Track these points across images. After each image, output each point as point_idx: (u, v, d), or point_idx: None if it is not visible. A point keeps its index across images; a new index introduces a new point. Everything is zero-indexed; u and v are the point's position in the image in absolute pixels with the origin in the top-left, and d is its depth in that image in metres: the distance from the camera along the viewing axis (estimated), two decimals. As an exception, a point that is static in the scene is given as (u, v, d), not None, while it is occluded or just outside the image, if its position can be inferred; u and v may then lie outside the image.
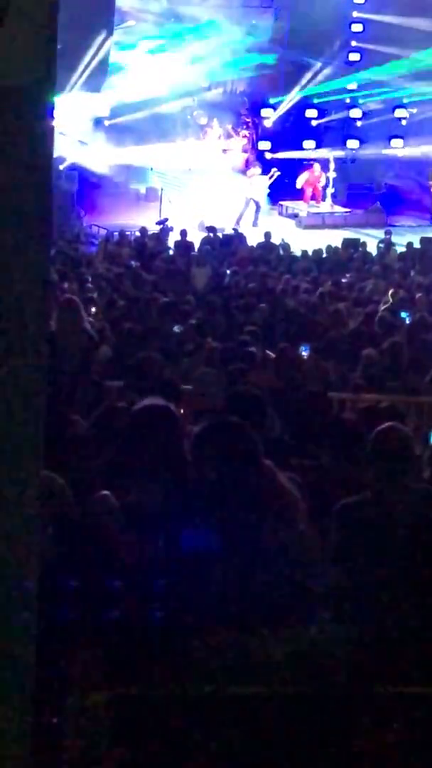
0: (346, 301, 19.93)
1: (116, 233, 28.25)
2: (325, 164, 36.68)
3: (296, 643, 4.09)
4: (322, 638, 4.12)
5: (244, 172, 37.46)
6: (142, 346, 12.98)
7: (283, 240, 28.80)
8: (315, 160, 37.18)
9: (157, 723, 3.94)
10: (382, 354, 14.21)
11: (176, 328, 14.78)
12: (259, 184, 35.28)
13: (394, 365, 13.96)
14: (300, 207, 36.50)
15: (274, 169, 34.72)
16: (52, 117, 2.80)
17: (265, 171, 36.64)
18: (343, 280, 23.36)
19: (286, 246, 28.31)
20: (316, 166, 36.90)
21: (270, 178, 35.25)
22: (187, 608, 4.26)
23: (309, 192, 36.68)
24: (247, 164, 37.69)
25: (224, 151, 37.08)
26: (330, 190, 36.66)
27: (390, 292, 20.95)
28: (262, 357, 13.13)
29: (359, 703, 4.42)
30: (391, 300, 20.17)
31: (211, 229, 29.39)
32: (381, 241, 30.07)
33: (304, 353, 13.82)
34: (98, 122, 36.13)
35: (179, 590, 4.22)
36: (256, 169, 35.77)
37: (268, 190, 35.79)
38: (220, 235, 29.38)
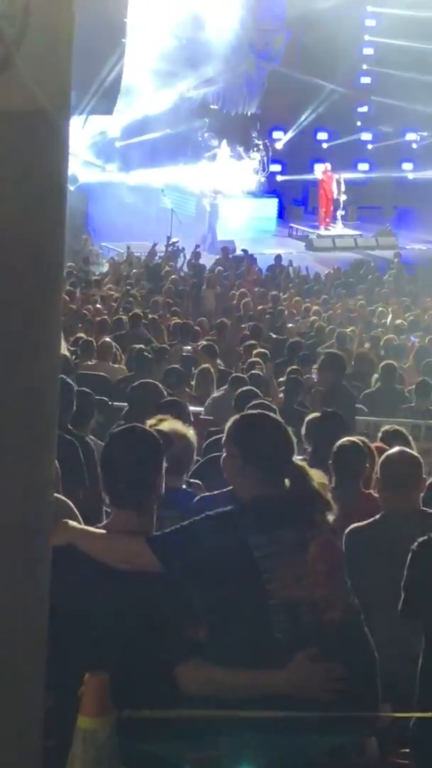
0: (355, 324, 19.95)
1: (126, 254, 28.30)
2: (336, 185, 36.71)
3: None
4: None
5: (254, 194, 37.61)
6: (152, 367, 12.98)
7: (291, 262, 28.83)
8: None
9: (163, 747, 3.94)
10: (380, 377, 14.27)
11: (185, 350, 14.80)
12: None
13: (389, 386, 14.01)
14: (310, 229, 36.60)
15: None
16: (67, 142, 2.81)
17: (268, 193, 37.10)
18: (353, 303, 23.38)
19: (296, 268, 28.35)
20: (321, 170, 37.00)
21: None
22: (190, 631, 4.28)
23: (322, 212, 36.75)
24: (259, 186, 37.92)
25: (231, 173, 37.16)
26: (340, 212, 36.72)
27: (389, 318, 21.02)
28: (271, 379, 13.12)
29: (364, 727, 4.41)
30: (387, 321, 20.28)
31: (224, 250, 29.45)
32: (391, 264, 30.08)
33: (314, 376, 13.81)
34: (110, 143, 36.25)
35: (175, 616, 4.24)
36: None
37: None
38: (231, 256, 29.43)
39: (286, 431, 4.49)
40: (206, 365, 13.25)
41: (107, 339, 14.31)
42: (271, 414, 4.69)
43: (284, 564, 4.17)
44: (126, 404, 11.29)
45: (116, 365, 13.64)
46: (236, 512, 4.33)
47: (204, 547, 4.29)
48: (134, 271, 25.83)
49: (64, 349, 12.42)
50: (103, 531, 4.42)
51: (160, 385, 9.48)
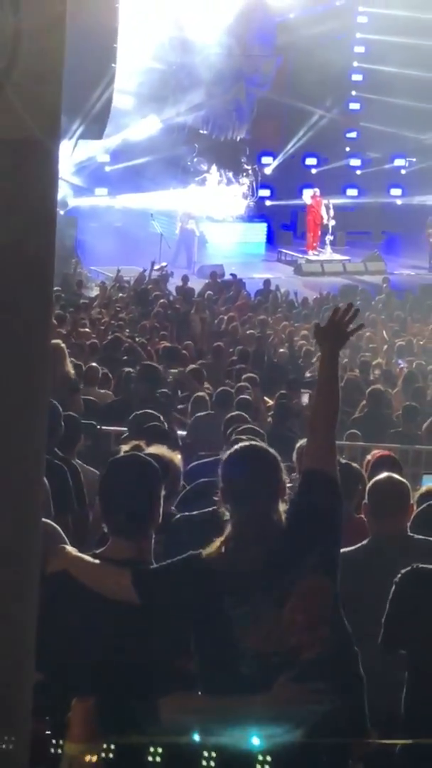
0: (343, 349, 19.96)
1: (115, 278, 28.31)
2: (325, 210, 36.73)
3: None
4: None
5: (244, 218, 37.72)
6: (141, 391, 12.97)
7: (277, 286, 28.84)
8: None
9: None
10: (368, 402, 14.29)
11: (171, 375, 14.77)
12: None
13: (376, 412, 14.03)
14: (299, 254, 36.66)
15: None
16: (57, 169, 2.82)
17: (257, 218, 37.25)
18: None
19: (283, 293, 28.35)
20: (309, 194, 37.08)
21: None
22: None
23: (310, 237, 36.77)
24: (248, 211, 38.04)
25: (220, 198, 37.25)
26: (329, 237, 36.78)
27: (378, 343, 21.07)
28: (260, 403, 13.12)
29: (354, 754, 4.41)
30: (373, 345, 20.36)
31: (213, 274, 29.46)
32: (381, 289, 30.12)
33: (304, 401, 13.82)
34: (99, 167, 36.33)
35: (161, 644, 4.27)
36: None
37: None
38: (219, 280, 29.44)
39: (268, 471, 4.38)
40: (201, 393, 13.24)
41: (94, 364, 14.27)
42: (261, 449, 4.53)
43: (256, 621, 4.17)
44: (113, 428, 11.32)
45: (102, 390, 13.59)
46: (217, 568, 4.31)
47: (181, 594, 4.33)
48: (120, 295, 25.81)
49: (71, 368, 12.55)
50: (95, 561, 4.43)
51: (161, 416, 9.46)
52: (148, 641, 4.22)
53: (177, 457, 6.32)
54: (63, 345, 12.88)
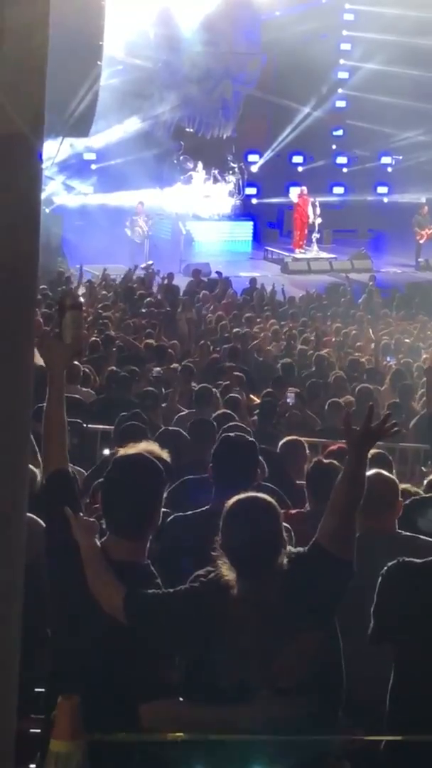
0: (330, 347, 19.98)
1: (101, 276, 28.27)
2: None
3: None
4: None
5: (230, 217, 37.68)
6: (126, 389, 12.97)
7: (263, 285, 28.79)
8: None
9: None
10: (356, 400, 14.25)
11: (156, 372, 14.76)
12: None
13: (364, 410, 13.97)
14: (285, 252, 36.64)
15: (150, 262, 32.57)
16: (41, 164, 2.82)
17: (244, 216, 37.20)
18: (326, 325, 23.41)
19: (271, 291, 28.31)
20: (296, 193, 37.04)
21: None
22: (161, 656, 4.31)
23: (297, 235, 36.73)
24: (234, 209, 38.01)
25: (207, 196, 37.19)
26: (315, 235, 36.77)
27: (364, 341, 21.08)
28: (246, 402, 13.10)
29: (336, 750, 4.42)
30: (362, 344, 20.39)
31: (197, 272, 29.41)
32: (366, 287, 30.11)
33: (289, 399, 13.80)
34: (85, 165, 36.29)
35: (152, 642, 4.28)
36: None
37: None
38: (205, 279, 29.39)
39: (269, 529, 4.30)
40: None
41: (75, 362, 14.20)
42: (263, 503, 4.40)
43: (239, 662, 4.17)
44: (100, 426, 11.29)
45: (85, 389, 13.53)
46: (209, 613, 4.28)
47: (168, 629, 4.33)
48: (104, 293, 25.72)
49: None
50: (101, 566, 4.39)
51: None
52: (132, 654, 4.23)
53: (165, 455, 6.32)
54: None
